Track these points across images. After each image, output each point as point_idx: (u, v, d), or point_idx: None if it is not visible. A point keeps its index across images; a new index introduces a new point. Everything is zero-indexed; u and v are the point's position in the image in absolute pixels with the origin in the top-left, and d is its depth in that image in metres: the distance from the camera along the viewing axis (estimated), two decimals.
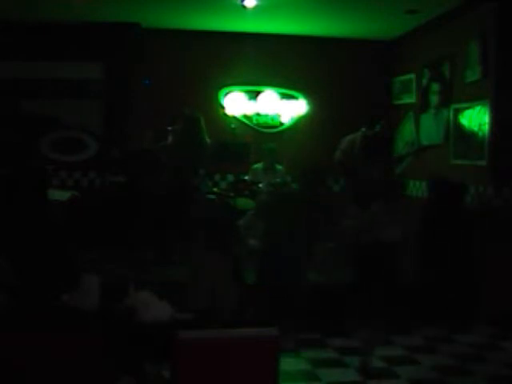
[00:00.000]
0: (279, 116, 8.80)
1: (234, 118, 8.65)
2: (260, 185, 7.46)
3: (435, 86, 7.56)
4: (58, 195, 6.91)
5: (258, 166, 7.91)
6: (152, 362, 3.58)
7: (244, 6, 6.90)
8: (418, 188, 7.87)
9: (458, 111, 6.98)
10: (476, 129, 6.58)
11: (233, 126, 8.51)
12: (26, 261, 3.66)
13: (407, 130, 8.32)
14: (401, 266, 5.38)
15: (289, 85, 8.73)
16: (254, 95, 8.69)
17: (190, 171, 7.18)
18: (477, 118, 6.57)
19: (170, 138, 7.21)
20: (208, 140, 7.18)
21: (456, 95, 7.05)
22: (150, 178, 7.15)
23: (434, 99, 7.57)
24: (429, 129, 7.70)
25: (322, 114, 8.71)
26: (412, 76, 8.20)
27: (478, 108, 6.55)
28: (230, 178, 8.51)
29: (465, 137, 6.82)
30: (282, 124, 8.84)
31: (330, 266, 5.30)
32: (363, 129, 7.53)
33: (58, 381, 2.96)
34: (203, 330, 3.18)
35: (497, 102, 6.29)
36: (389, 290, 4.90)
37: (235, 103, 8.60)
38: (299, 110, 8.79)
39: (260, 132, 8.75)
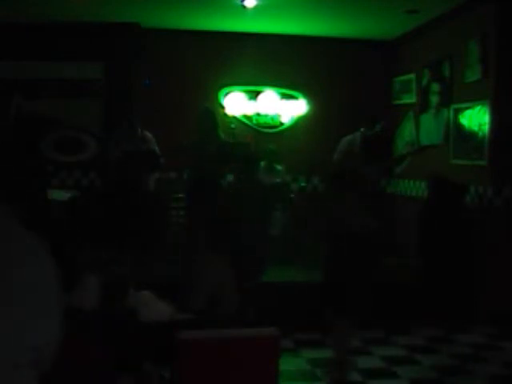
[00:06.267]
0: (279, 116, 8.79)
1: (234, 118, 8.65)
2: None
3: (435, 86, 7.56)
4: (58, 195, 6.91)
5: None
6: (152, 362, 3.58)
7: (244, 6, 6.90)
8: (417, 188, 7.87)
9: (458, 111, 6.98)
10: (476, 129, 6.58)
11: (233, 126, 8.51)
12: None
13: (407, 130, 8.32)
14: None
15: (289, 85, 8.73)
16: (253, 95, 8.68)
17: (214, 170, 7.12)
18: (477, 118, 6.57)
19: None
20: (222, 135, 7.14)
21: (456, 95, 7.05)
22: (148, 178, 7.15)
23: (434, 99, 7.57)
24: (429, 129, 7.70)
25: (322, 113, 8.71)
26: (412, 76, 8.20)
27: (477, 108, 6.55)
28: (230, 177, 8.51)
29: (465, 137, 6.82)
30: (282, 124, 8.84)
31: None
32: (362, 129, 7.53)
33: (58, 381, 2.96)
34: (203, 330, 3.18)
35: (497, 102, 6.29)
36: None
37: (235, 103, 8.59)
38: (299, 110, 8.78)
39: (260, 132, 8.75)
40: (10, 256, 1.25)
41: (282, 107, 8.74)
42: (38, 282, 1.26)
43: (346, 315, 4.65)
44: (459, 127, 6.94)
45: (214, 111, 7.15)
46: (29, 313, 1.23)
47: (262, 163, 7.90)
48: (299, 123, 8.82)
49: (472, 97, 6.64)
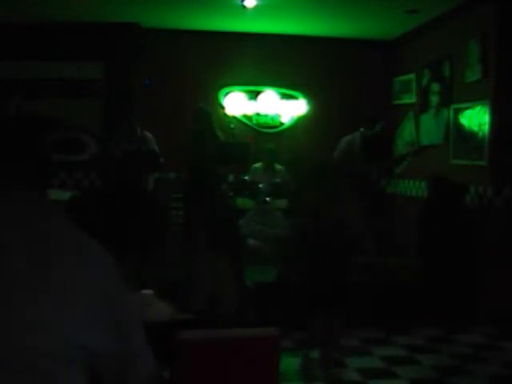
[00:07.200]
0: (279, 116, 8.79)
1: (234, 118, 8.65)
2: (260, 185, 7.47)
3: (435, 86, 7.56)
4: (58, 195, 6.90)
5: (258, 165, 7.92)
6: None
7: (244, 6, 6.90)
8: (417, 188, 7.87)
9: (458, 111, 6.98)
10: (476, 129, 6.58)
11: (232, 126, 8.51)
12: None
13: (407, 130, 8.31)
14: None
15: (289, 85, 8.73)
16: (253, 95, 8.68)
17: (213, 171, 7.12)
18: (477, 118, 6.57)
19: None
20: (220, 136, 7.13)
21: (456, 95, 7.05)
22: (148, 178, 7.15)
23: (434, 99, 7.57)
24: (429, 129, 7.70)
25: (322, 113, 8.71)
26: (412, 76, 8.20)
27: (478, 108, 6.55)
28: (230, 178, 8.51)
29: (465, 137, 6.82)
30: (282, 124, 8.84)
31: None
32: (361, 129, 7.53)
33: None
34: (203, 329, 3.18)
35: (497, 102, 6.29)
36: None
37: (235, 103, 8.59)
38: (299, 110, 8.79)
39: (260, 132, 8.75)
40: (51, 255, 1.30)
41: (282, 107, 8.74)
42: (78, 282, 1.32)
43: (336, 313, 4.67)
44: (459, 127, 6.94)
45: (209, 110, 7.13)
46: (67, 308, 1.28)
47: (262, 163, 7.92)
48: (299, 123, 8.82)
49: (472, 97, 6.64)
